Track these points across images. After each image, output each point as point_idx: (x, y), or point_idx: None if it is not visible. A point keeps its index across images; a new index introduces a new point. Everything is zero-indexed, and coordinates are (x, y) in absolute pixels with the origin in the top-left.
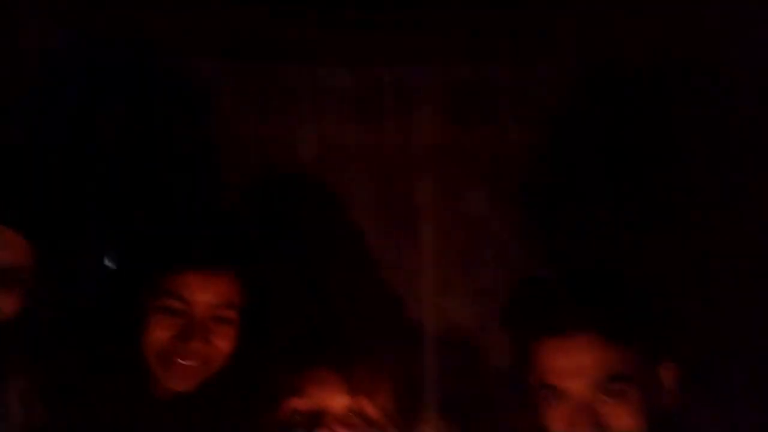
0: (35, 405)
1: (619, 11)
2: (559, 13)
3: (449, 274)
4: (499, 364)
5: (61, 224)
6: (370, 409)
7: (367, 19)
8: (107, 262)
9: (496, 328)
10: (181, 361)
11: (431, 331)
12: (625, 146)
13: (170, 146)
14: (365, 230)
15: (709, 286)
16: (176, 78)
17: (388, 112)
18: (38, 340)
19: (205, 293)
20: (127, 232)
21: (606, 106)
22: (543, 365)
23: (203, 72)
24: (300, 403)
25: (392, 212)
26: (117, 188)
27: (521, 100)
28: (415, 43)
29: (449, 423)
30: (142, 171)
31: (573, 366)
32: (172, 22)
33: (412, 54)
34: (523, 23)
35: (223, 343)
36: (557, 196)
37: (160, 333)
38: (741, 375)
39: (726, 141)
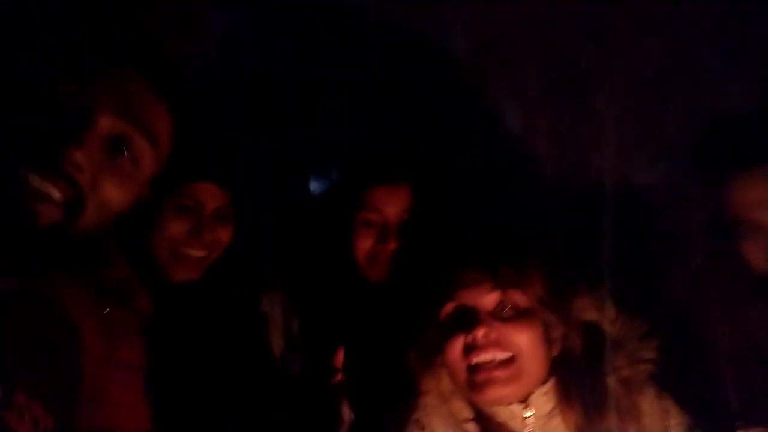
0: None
1: None
2: None
3: (626, 136)
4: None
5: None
6: (521, 300)
7: None
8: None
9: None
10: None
11: (611, 195)
12: None
13: None
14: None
15: None
16: None
17: None
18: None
19: (393, 205)
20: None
21: None
22: (737, 202)
23: None
24: (454, 306)
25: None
26: None
27: None
28: None
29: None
30: None
31: (762, 197)
32: None
33: None
34: None
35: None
36: None
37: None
38: None
39: None
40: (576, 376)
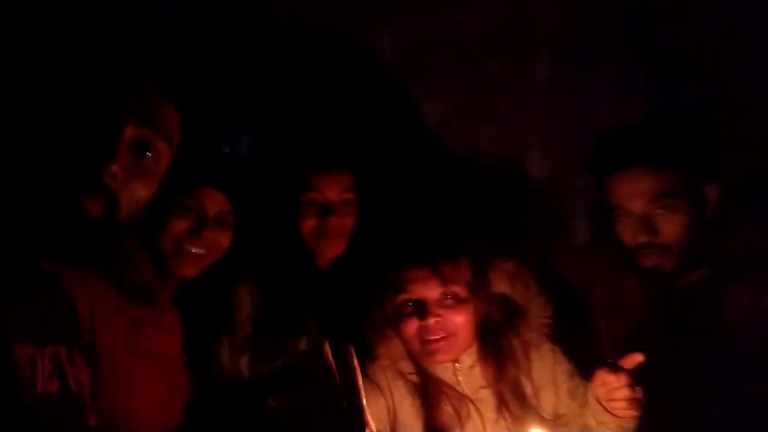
0: None
1: None
2: None
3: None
4: None
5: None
6: (458, 290)
7: None
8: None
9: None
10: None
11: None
12: None
13: None
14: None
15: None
16: None
17: None
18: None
19: (334, 188)
20: None
21: None
22: (614, 193)
23: None
24: (405, 297)
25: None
26: None
27: None
28: None
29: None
30: None
31: (633, 190)
32: None
33: None
34: None
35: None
36: None
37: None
38: None
39: None
40: (490, 339)
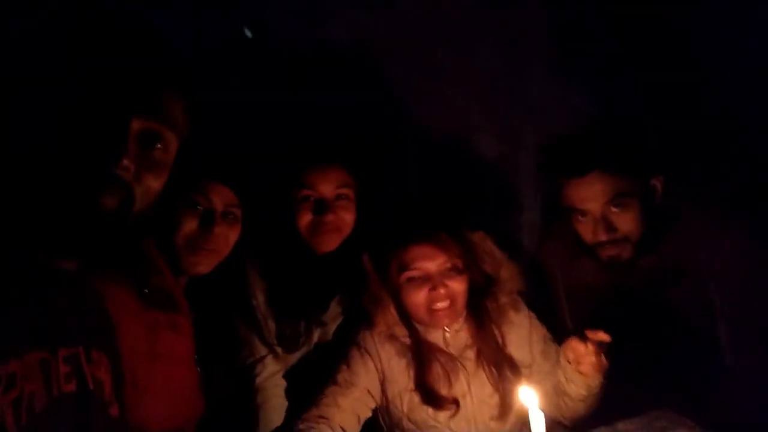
0: None
1: None
2: None
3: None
4: None
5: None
6: (456, 262)
7: None
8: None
9: None
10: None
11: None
12: None
13: None
14: None
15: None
16: None
17: None
18: None
19: (326, 181)
20: None
21: None
22: (570, 196)
23: None
24: (413, 273)
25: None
26: None
27: None
28: None
29: None
30: None
31: (589, 193)
32: None
33: None
34: None
35: (348, 216)
36: None
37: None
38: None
39: None
40: (474, 304)
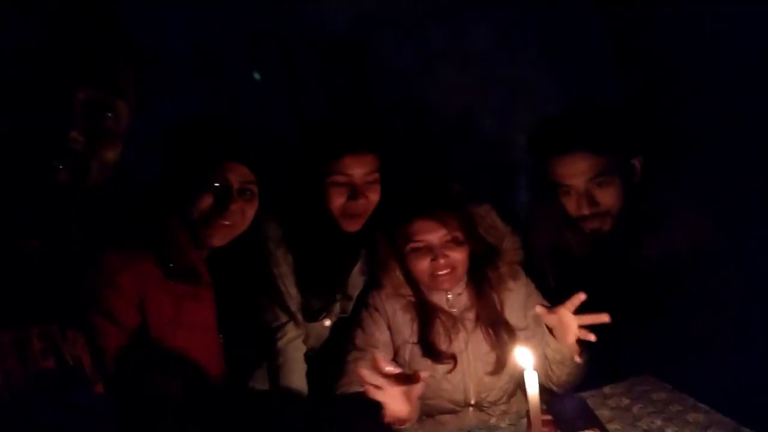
0: None
1: None
2: None
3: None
4: None
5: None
6: (457, 234)
7: None
8: None
9: None
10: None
11: None
12: None
13: None
14: None
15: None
16: None
17: None
18: None
19: (358, 168)
20: None
21: None
22: (557, 173)
23: None
24: (416, 244)
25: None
26: None
27: None
28: None
29: None
30: None
31: (574, 170)
32: None
33: None
34: None
35: (376, 197)
36: None
37: (337, 199)
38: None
39: None
40: (474, 271)
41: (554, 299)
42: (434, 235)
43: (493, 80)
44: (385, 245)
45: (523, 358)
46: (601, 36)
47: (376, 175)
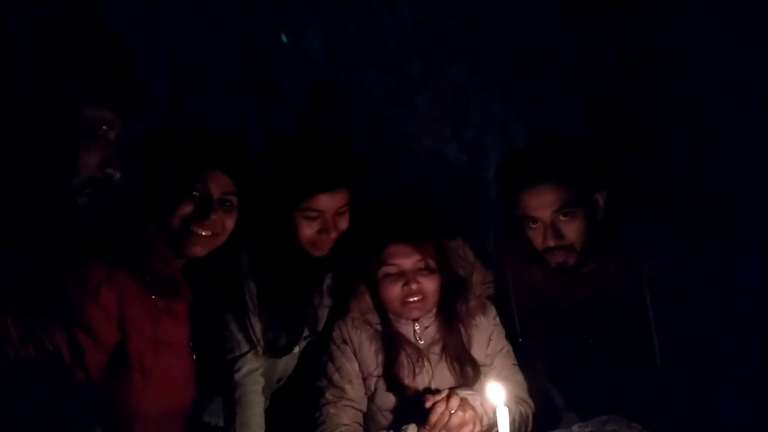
0: None
1: None
2: None
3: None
4: None
5: None
6: (430, 262)
7: None
8: None
9: None
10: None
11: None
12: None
13: None
14: None
15: None
16: None
17: None
18: None
19: (331, 204)
20: None
21: None
22: (524, 205)
23: None
24: (389, 269)
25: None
26: None
27: None
28: None
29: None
30: None
31: (542, 203)
32: None
33: None
34: None
35: (345, 224)
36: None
37: (307, 230)
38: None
39: None
40: (445, 303)
41: (516, 334)
42: (408, 260)
43: (465, 115)
44: (357, 270)
45: (495, 394)
46: (573, 74)
47: (346, 207)
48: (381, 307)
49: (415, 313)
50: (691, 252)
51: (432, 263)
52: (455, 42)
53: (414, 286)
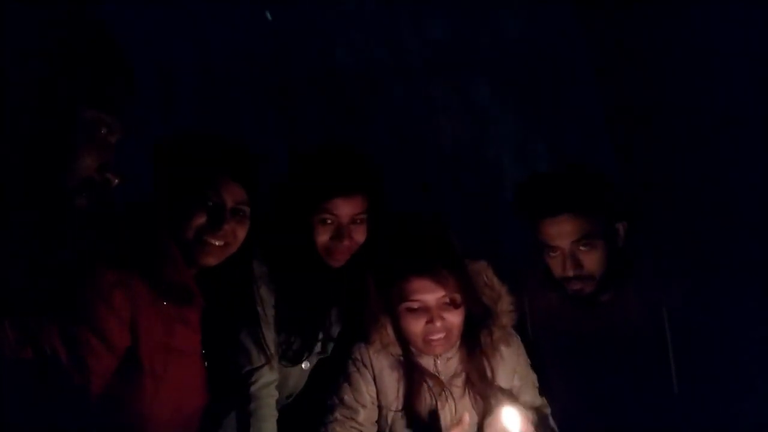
0: None
1: None
2: None
3: None
4: None
5: None
6: (455, 297)
7: None
8: None
9: None
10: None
11: None
12: None
13: None
14: None
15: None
16: None
17: None
18: None
19: (347, 209)
20: None
21: None
22: (543, 233)
23: None
24: (412, 304)
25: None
26: None
27: None
28: None
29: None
30: None
31: (561, 232)
32: None
33: None
34: None
35: (362, 237)
36: None
37: (321, 236)
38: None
39: None
40: (469, 334)
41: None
42: (432, 295)
43: (486, 136)
44: (378, 299)
45: (510, 419)
46: (594, 100)
47: (364, 216)
48: (402, 338)
49: (438, 350)
50: (709, 282)
51: (457, 297)
52: (477, 61)
53: (438, 323)
